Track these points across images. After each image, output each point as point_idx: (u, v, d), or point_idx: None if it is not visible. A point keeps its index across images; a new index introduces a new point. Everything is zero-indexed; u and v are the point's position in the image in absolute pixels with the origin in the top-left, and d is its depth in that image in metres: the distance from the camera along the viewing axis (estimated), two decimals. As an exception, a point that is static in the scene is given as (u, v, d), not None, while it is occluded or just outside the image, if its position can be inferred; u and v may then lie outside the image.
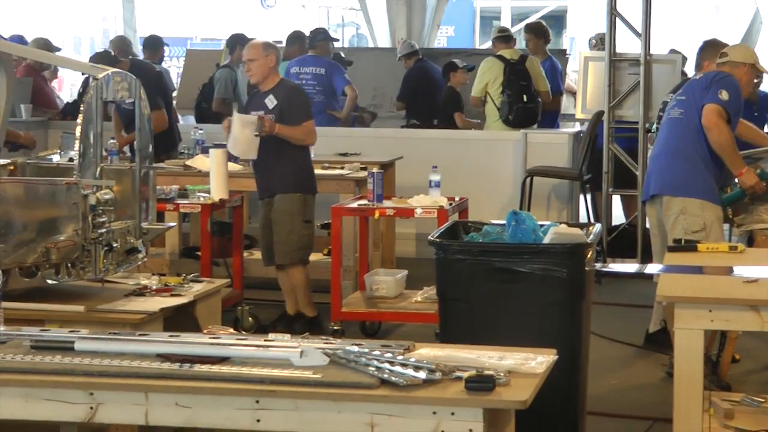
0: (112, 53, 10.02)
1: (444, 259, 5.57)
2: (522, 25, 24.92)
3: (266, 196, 8.36)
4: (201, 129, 10.72)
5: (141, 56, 12.63)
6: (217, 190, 8.38)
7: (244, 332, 8.01)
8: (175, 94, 13.24)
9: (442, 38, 25.06)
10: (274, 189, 8.28)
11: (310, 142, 8.37)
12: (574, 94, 13.08)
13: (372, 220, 9.02)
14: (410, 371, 3.68)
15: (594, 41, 12.96)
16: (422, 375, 3.67)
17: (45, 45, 10.79)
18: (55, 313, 5.37)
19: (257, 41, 8.49)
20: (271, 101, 8.25)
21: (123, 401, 3.66)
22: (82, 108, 5.53)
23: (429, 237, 5.72)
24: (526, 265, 5.42)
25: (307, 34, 12.58)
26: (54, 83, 13.02)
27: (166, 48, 13.70)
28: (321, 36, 12.40)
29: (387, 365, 3.72)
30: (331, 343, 3.97)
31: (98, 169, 5.60)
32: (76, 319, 5.29)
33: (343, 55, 13.23)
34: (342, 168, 9.73)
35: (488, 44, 16.01)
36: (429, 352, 4.00)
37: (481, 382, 3.64)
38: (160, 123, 9.74)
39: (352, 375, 3.69)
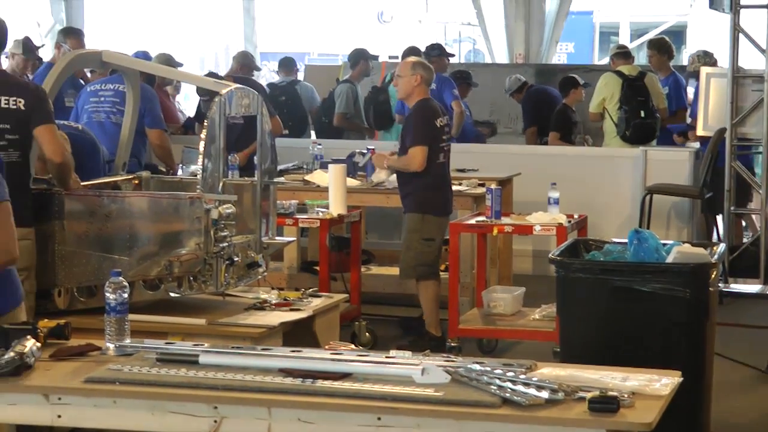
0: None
1: (565, 277, 5.52)
2: (641, 40, 24.71)
3: (403, 212, 8.61)
4: (320, 144, 10.78)
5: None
6: (335, 205, 8.41)
7: (362, 348, 8.06)
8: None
9: (561, 54, 24.93)
10: (406, 206, 8.47)
11: (414, 170, 8.19)
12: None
13: (490, 236, 8.98)
14: (533, 391, 3.65)
15: (693, 58, 12.72)
16: (545, 395, 3.64)
17: (167, 60, 10.94)
18: (177, 325, 5.45)
19: (410, 59, 8.74)
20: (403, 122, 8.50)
21: (246, 415, 3.68)
22: (205, 123, 5.59)
23: (550, 255, 5.68)
24: (648, 285, 5.35)
25: (423, 49, 12.60)
26: (178, 98, 13.18)
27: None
28: (436, 51, 12.41)
29: (509, 384, 3.69)
30: (452, 361, 3.95)
31: (221, 184, 5.66)
32: (198, 332, 5.36)
33: (470, 72, 13.25)
34: (459, 184, 9.70)
35: (606, 60, 15.88)
36: (551, 371, 3.96)
37: (605, 403, 3.60)
38: (277, 129, 9.82)
39: (474, 393, 3.67)
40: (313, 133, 13.19)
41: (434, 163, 8.27)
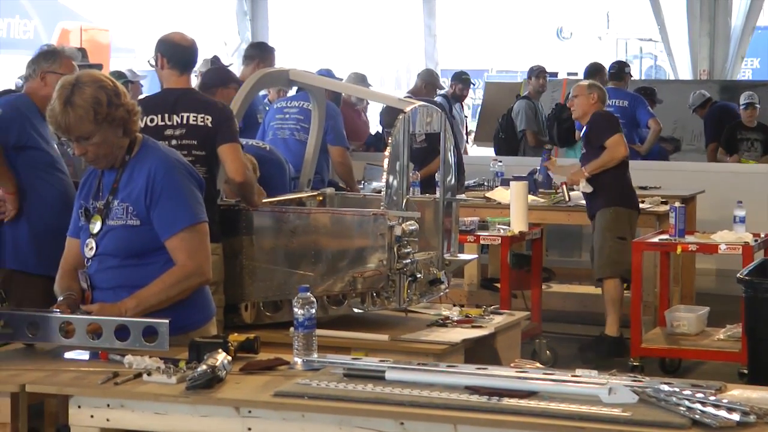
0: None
1: (753, 297, 5.42)
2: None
3: (591, 215, 8.75)
4: (500, 161, 10.77)
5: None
6: (516, 223, 8.39)
7: (542, 366, 8.01)
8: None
9: (746, 70, 24.42)
10: (595, 207, 8.65)
11: (621, 157, 8.58)
12: None
13: (673, 255, 8.85)
14: (723, 413, 3.57)
15: None
16: (736, 417, 3.55)
17: (362, 80, 11.02)
18: (361, 341, 5.50)
19: (584, 82, 9.06)
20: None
21: (432, 432, 3.69)
22: (389, 141, 5.64)
23: (738, 275, 5.57)
24: (842, 307, 5.20)
25: (606, 66, 12.51)
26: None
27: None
28: (628, 69, 12.34)
29: (698, 406, 3.62)
30: (639, 381, 3.89)
31: (404, 201, 5.70)
32: (381, 348, 5.40)
33: (655, 90, 13.11)
34: (642, 202, 9.58)
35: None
36: (741, 393, 3.87)
37: (799, 428, 3.50)
38: None
39: (663, 414, 3.61)
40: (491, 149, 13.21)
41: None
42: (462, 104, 13.73)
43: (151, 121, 5.80)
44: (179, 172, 4.46)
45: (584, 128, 8.79)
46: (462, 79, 13.43)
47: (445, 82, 14.39)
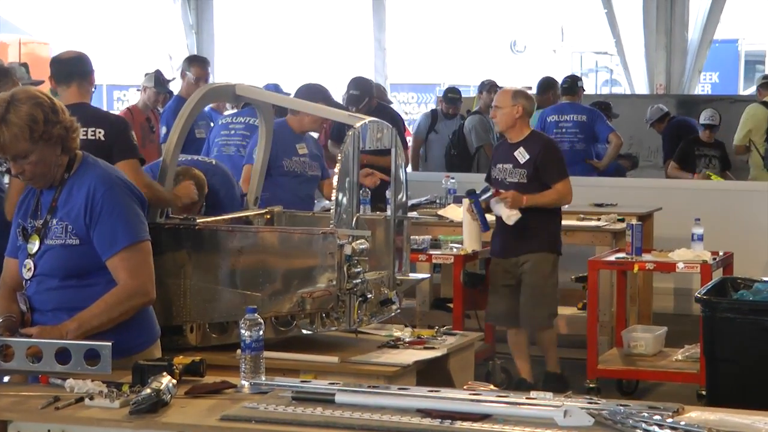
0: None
1: (712, 317, 5.47)
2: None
3: (510, 255, 8.19)
4: (453, 178, 10.80)
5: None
6: (469, 241, 8.43)
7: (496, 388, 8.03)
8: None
9: (705, 84, 24.65)
10: (524, 248, 8.14)
11: (563, 204, 8.24)
12: None
13: (630, 274, 8.90)
14: (680, 435, 3.60)
15: None
16: (693, 440, 3.59)
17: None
18: (310, 363, 5.49)
19: (508, 88, 8.39)
20: (521, 155, 8.12)
21: (384, 456, 3.69)
22: (338, 157, 5.64)
23: (696, 294, 5.62)
24: (801, 326, 5.26)
25: (559, 80, 12.59)
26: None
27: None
28: (581, 83, 12.39)
29: (656, 428, 3.65)
30: (595, 403, 3.92)
31: (354, 219, 5.70)
32: (331, 370, 5.39)
33: (610, 104, 13.19)
34: (598, 219, 9.66)
35: (752, 90, 15.67)
36: (699, 415, 3.90)
37: (758, 450, 3.53)
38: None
39: (619, 437, 3.64)
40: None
41: None
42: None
43: None
44: (120, 189, 4.45)
45: (518, 146, 8.12)
46: (447, 98, 13.33)
47: (395, 96, 14.41)
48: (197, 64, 10.85)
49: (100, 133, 5.90)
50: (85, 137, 5.76)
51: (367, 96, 10.52)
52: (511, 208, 7.99)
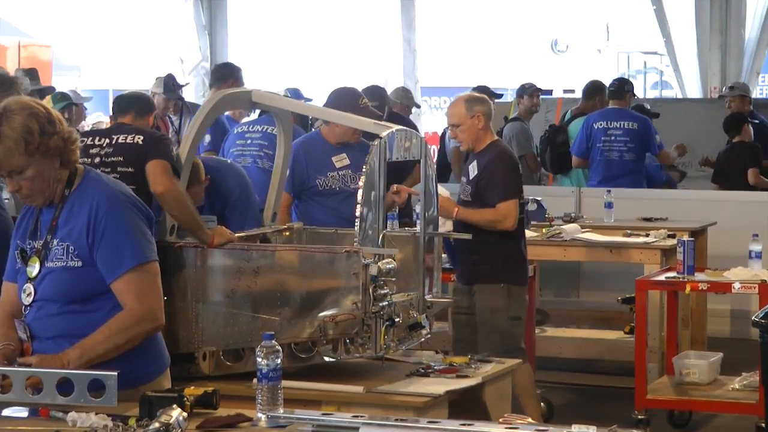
0: None
1: (770, 342, 5.44)
2: None
3: (464, 283, 7.79)
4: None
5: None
6: (506, 259, 8.40)
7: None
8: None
9: (763, 87, 24.59)
10: (474, 275, 7.69)
11: (503, 229, 7.54)
12: None
13: (682, 295, 8.88)
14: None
15: None
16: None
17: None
18: (332, 393, 5.50)
19: (458, 99, 7.84)
20: (473, 169, 7.70)
21: (411, 495, 3.70)
22: (364, 169, 5.65)
23: (753, 318, 5.60)
24: None
25: (607, 83, 12.58)
26: None
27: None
28: (629, 87, 12.35)
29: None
30: (642, 437, 3.92)
31: (380, 236, 5.71)
32: (355, 401, 5.41)
33: (647, 107, 13.12)
34: (647, 235, 9.64)
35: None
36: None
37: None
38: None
39: (668, 475, 3.64)
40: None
41: (521, 220, 7.72)
42: None
43: (81, 142, 5.95)
44: (124, 205, 4.46)
45: (473, 159, 7.71)
46: (485, 93, 13.25)
47: (426, 101, 14.43)
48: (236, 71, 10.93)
49: (139, 138, 6.14)
50: (124, 141, 6.09)
51: (386, 105, 10.49)
52: (441, 217, 7.24)
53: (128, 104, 6.97)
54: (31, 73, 10.55)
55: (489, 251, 7.54)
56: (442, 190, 7.74)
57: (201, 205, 6.64)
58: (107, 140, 6.20)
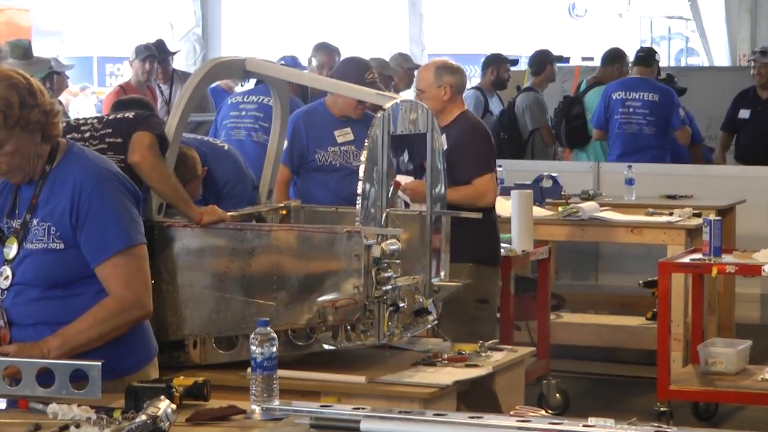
0: None
1: (802, 329, 5.45)
2: None
3: None
4: (500, 166, 10.75)
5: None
6: (520, 240, 8.43)
7: (551, 412, 8.05)
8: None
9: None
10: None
11: (483, 205, 7.45)
12: None
13: (708, 278, 8.89)
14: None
15: None
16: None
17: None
18: (332, 384, 5.52)
19: (429, 65, 7.94)
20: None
21: (416, 493, 3.71)
22: (366, 143, 5.65)
23: (784, 302, 5.61)
24: None
25: (628, 50, 12.57)
26: None
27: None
28: (658, 57, 12.32)
29: (735, 462, 3.66)
30: (664, 431, 3.92)
31: (383, 215, 5.72)
32: (356, 392, 5.43)
33: (675, 79, 13.10)
34: (670, 214, 9.64)
35: None
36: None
37: None
38: None
39: (692, 472, 3.65)
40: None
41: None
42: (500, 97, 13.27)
43: (75, 122, 6.01)
44: (110, 183, 4.46)
45: (441, 132, 7.02)
46: (498, 60, 13.19)
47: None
48: (323, 51, 10.92)
49: (129, 114, 6.11)
50: (114, 117, 6.07)
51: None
52: (413, 203, 7.37)
53: (127, 107, 6.94)
54: (21, 46, 10.48)
55: (457, 228, 6.97)
56: None
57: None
58: (98, 119, 6.21)
